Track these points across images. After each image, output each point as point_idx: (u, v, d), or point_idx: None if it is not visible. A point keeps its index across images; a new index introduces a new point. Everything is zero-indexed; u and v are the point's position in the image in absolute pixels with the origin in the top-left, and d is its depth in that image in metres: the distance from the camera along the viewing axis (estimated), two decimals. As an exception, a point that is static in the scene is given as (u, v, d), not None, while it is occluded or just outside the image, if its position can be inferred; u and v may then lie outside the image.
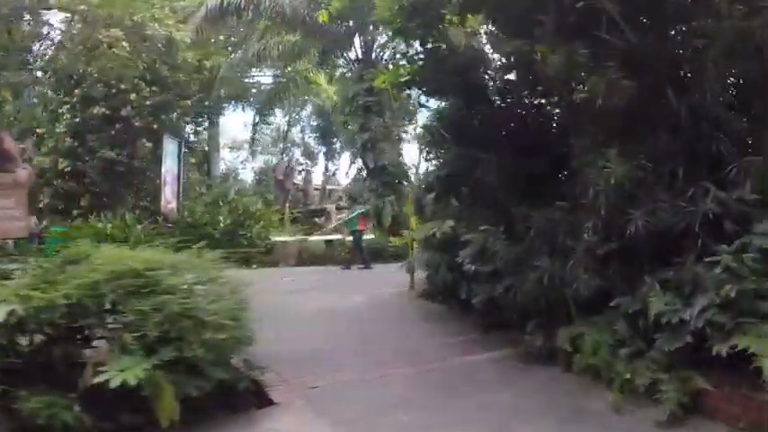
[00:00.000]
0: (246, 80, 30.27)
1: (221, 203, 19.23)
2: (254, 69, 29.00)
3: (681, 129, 6.58)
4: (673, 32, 6.86)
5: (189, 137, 22.61)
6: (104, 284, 5.06)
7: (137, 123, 20.13)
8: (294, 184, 26.28)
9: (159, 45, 17.03)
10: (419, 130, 13.43)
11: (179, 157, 19.62)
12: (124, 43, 15.43)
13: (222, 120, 33.29)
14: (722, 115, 6.44)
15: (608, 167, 6.14)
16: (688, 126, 6.55)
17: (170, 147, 19.45)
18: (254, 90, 31.52)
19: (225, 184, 27.01)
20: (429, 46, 9.17)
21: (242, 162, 37.11)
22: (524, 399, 6.18)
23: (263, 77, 31.74)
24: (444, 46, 8.80)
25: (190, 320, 5.02)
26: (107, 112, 20.04)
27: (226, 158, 37.16)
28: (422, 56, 9.45)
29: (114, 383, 4.57)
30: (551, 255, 7.07)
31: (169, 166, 19.24)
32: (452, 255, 8.97)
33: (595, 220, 6.43)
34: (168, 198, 19.08)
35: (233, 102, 31.71)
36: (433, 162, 10.99)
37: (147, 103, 20.23)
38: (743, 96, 6.91)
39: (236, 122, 72.96)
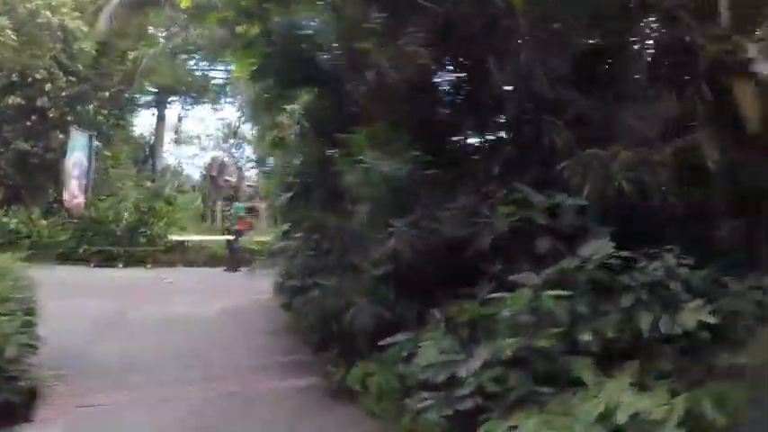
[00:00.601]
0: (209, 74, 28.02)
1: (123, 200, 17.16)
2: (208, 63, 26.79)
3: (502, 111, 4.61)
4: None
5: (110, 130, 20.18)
6: None
7: (51, 114, 17.86)
8: (226, 180, 24.07)
9: (58, 33, 14.98)
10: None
11: (89, 150, 17.47)
12: (9, 31, 13.38)
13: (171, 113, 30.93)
14: (548, 93, 4.43)
15: (364, 164, 4.11)
16: (511, 108, 4.59)
17: (79, 140, 17.28)
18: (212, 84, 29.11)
19: (164, 179, 24.70)
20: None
21: (190, 157, 34.30)
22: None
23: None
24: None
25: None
26: (22, 102, 17.72)
27: (175, 153, 34.44)
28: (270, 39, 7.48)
29: None
30: (342, 272, 5.03)
31: (77, 160, 17.08)
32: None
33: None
34: (74, 192, 16.94)
35: (183, 96, 29.32)
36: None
37: (63, 93, 17.95)
38: (588, 70, 4.93)
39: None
